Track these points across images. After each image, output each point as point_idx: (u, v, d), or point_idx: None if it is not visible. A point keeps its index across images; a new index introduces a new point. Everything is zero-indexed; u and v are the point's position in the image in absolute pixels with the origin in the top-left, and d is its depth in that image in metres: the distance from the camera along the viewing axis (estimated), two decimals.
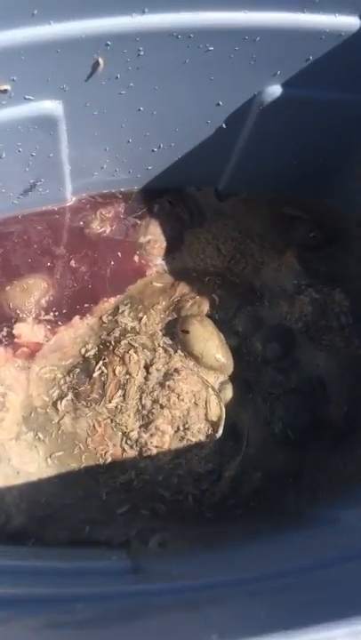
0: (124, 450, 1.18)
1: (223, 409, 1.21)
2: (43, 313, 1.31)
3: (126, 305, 1.32)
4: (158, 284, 1.36)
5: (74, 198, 1.39)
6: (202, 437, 1.18)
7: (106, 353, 1.24)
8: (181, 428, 1.17)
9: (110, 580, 0.84)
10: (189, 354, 1.23)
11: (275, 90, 1.09)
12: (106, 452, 1.18)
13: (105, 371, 1.22)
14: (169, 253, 1.39)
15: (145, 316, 1.29)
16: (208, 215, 1.44)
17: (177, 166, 1.32)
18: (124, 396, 1.19)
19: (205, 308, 1.30)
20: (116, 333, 1.27)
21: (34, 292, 1.31)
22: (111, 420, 1.19)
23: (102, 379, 1.21)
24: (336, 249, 1.42)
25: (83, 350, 1.28)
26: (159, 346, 1.24)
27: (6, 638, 0.58)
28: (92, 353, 1.26)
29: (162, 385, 1.19)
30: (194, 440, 1.18)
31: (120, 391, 1.20)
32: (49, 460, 1.18)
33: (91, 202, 1.40)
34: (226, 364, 1.24)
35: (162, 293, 1.33)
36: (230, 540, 1.08)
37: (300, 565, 0.78)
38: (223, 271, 1.38)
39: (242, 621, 0.58)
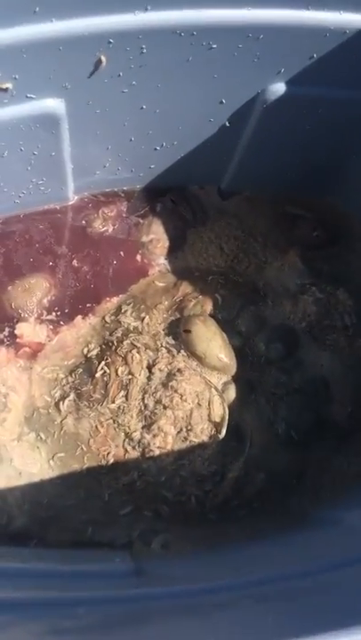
0: (126, 451, 1.17)
1: (226, 409, 1.20)
2: (45, 313, 1.30)
3: (129, 305, 1.31)
4: (161, 284, 1.35)
5: (76, 197, 1.38)
6: (205, 438, 1.18)
7: (108, 353, 1.24)
8: (184, 428, 1.17)
9: (113, 583, 0.84)
10: (192, 354, 1.22)
11: (278, 88, 1.08)
12: (108, 453, 1.18)
13: (107, 371, 1.21)
14: (172, 252, 1.39)
15: (147, 316, 1.28)
16: (211, 214, 1.43)
17: (180, 165, 1.31)
18: (126, 396, 1.19)
19: (208, 307, 1.29)
20: (119, 333, 1.26)
21: (36, 291, 1.30)
22: (114, 421, 1.18)
23: (105, 379, 1.21)
24: (339, 248, 1.42)
25: (85, 350, 1.27)
26: (162, 346, 1.23)
27: None
28: (94, 353, 1.26)
29: (165, 385, 1.18)
30: (197, 441, 1.17)
31: (123, 391, 1.19)
32: (51, 460, 1.18)
33: (93, 201, 1.40)
34: (229, 364, 1.24)
35: (164, 293, 1.32)
36: (233, 542, 1.08)
37: (305, 568, 0.78)
38: (226, 270, 1.37)
39: (247, 628, 0.57)
